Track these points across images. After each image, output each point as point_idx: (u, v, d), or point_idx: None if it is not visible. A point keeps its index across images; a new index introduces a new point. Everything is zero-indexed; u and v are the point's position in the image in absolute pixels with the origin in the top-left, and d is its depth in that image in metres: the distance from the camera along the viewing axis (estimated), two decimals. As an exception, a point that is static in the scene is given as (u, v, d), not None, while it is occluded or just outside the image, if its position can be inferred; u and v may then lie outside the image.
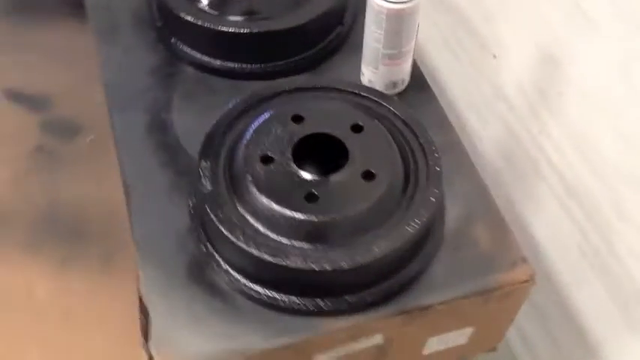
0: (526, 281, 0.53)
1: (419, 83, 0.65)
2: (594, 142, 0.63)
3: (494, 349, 0.64)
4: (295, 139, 0.52)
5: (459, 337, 0.60)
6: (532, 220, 0.77)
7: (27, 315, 0.66)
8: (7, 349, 0.65)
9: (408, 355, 0.59)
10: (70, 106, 0.81)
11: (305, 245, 0.49)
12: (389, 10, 0.56)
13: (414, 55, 0.64)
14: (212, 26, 0.63)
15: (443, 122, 0.62)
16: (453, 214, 0.56)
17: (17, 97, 0.82)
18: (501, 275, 0.53)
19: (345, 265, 0.48)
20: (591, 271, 0.69)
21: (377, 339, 0.54)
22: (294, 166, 0.51)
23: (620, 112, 0.59)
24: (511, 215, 0.81)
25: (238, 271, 0.52)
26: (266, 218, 0.50)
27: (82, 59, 0.76)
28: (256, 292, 0.51)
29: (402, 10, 0.56)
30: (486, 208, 0.57)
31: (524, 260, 0.54)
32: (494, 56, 0.77)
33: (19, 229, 0.71)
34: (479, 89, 0.82)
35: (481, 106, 0.82)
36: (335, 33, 0.68)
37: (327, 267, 0.47)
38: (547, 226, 0.75)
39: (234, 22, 0.64)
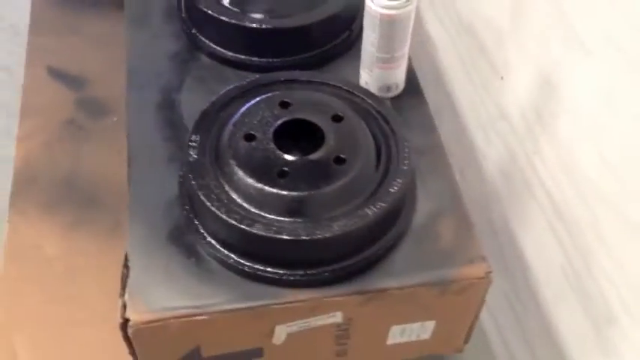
0: (482, 278, 0.56)
1: (413, 88, 0.68)
2: (580, 165, 0.65)
3: (460, 351, 0.66)
4: (278, 122, 0.57)
5: (422, 331, 0.62)
6: (522, 237, 0.79)
7: (35, 266, 0.73)
8: (13, 293, 0.71)
9: (372, 343, 0.62)
10: (102, 88, 0.89)
11: (272, 217, 0.53)
12: (382, 15, 0.60)
13: (410, 61, 0.68)
14: (227, 20, 0.69)
15: (429, 125, 0.66)
16: (422, 209, 0.59)
17: (58, 74, 0.90)
18: (458, 269, 0.56)
19: (303, 236, 0.52)
20: (571, 290, 0.70)
21: (336, 317, 0.57)
22: (272, 145, 0.56)
23: (604, 136, 0.61)
24: (505, 231, 0.83)
25: (212, 236, 0.56)
26: (241, 189, 0.55)
27: (119, 46, 0.83)
28: (226, 256, 0.56)
29: (395, 15, 0.60)
30: (455, 207, 0.60)
31: (482, 258, 0.57)
32: (502, 78, 0.80)
33: (41, 190, 0.78)
34: (486, 109, 0.85)
35: (487, 125, 0.85)
36: (342, 37, 0.72)
37: (286, 236, 0.51)
38: (535, 244, 0.77)
39: (248, 19, 0.70)
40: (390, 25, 0.61)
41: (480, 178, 0.87)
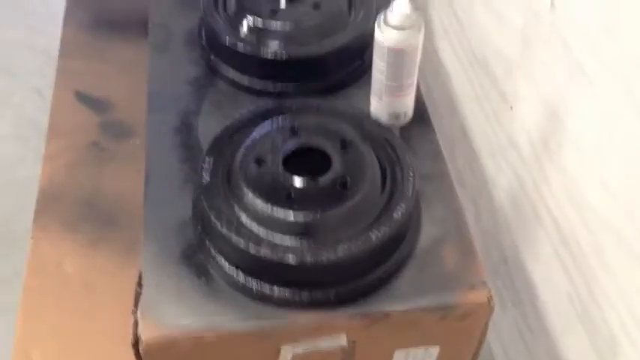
0: (483, 303, 0.57)
1: (421, 117, 0.70)
2: (585, 194, 0.66)
3: (464, 377, 0.67)
4: (288, 148, 0.59)
5: (426, 356, 0.63)
6: (531, 266, 0.80)
7: (54, 282, 0.76)
8: (33, 308, 0.74)
9: (377, 366, 0.63)
10: (125, 112, 0.92)
11: (279, 238, 0.55)
12: (390, 45, 0.62)
13: (419, 89, 0.70)
14: (244, 49, 0.72)
15: (436, 154, 0.67)
16: (427, 234, 0.61)
17: (85, 98, 0.94)
18: (460, 294, 0.57)
19: (308, 260, 0.53)
20: (577, 319, 0.71)
21: (341, 340, 0.59)
22: (281, 169, 0.58)
23: (607, 166, 0.62)
24: (515, 260, 0.84)
25: (222, 257, 0.58)
26: (250, 211, 0.57)
27: (143, 71, 0.86)
28: (235, 277, 0.58)
29: (403, 47, 0.62)
30: (459, 233, 0.61)
31: (483, 284, 0.58)
32: (511, 108, 0.81)
33: (64, 208, 0.81)
34: (497, 138, 0.86)
35: (497, 154, 0.86)
36: (354, 65, 0.75)
37: (292, 260, 0.53)
38: (543, 272, 0.77)
39: (264, 48, 0.73)
40: (398, 56, 0.63)
41: (492, 207, 0.88)
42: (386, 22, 0.63)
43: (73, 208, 0.81)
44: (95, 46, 0.99)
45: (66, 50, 0.99)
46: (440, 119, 1.03)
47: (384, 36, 0.63)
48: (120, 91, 0.95)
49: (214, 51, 0.77)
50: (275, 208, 0.55)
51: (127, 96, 0.94)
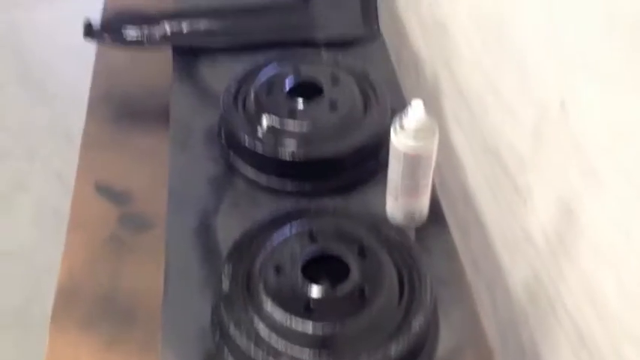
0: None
1: (436, 217, 0.71)
2: (602, 294, 0.66)
3: None
4: (306, 256, 0.60)
5: None
6: (550, 362, 0.78)
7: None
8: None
9: None
10: (145, 203, 0.93)
11: (298, 351, 0.55)
12: (405, 148, 0.64)
13: (434, 189, 0.71)
14: (262, 150, 0.74)
15: (452, 255, 0.68)
16: (445, 342, 0.61)
17: (104, 190, 0.96)
18: (481, 406, 0.56)
19: (327, 374, 0.53)
20: None
21: None
22: (300, 279, 0.59)
23: (624, 267, 0.62)
24: (532, 355, 0.82)
25: (241, 367, 0.58)
26: (269, 321, 0.57)
27: (163, 161, 0.88)
28: (253, 389, 0.57)
29: (418, 152, 0.64)
30: (477, 340, 0.61)
31: (505, 395, 0.57)
32: (525, 201, 0.82)
33: (82, 305, 0.82)
34: (511, 229, 0.86)
35: (512, 246, 0.86)
36: (369, 165, 0.76)
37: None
38: (562, 371, 0.76)
39: (282, 149, 0.74)
40: (413, 160, 0.64)
41: (508, 297, 0.88)
42: (401, 127, 0.64)
43: (90, 306, 0.81)
44: (116, 137, 1.01)
45: (88, 142, 1.02)
46: (453, 205, 1.04)
47: (400, 141, 0.64)
48: (139, 181, 0.96)
49: (233, 149, 0.79)
50: (294, 319, 0.56)
51: (147, 186, 0.96)
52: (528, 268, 0.82)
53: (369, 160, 0.76)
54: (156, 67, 1.05)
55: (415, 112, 0.63)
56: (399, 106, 0.86)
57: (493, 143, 0.90)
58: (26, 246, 1.30)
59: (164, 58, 1.01)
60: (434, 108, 1.08)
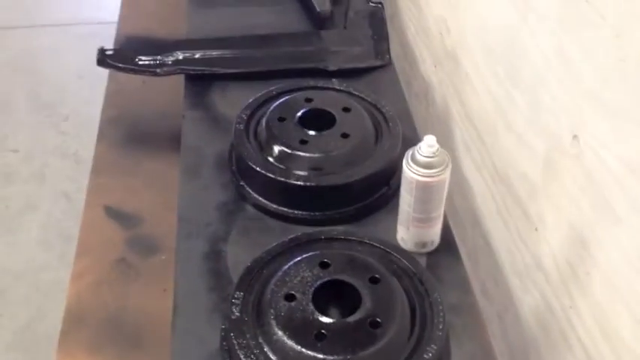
0: None
1: (448, 245, 0.71)
2: (615, 326, 0.65)
3: None
4: (317, 283, 0.60)
5: None
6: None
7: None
8: None
9: None
10: (153, 226, 0.94)
11: (308, 380, 0.55)
12: (417, 181, 0.64)
13: (445, 218, 0.71)
14: (273, 176, 0.74)
15: (464, 284, 0.67)
16: (458, 373, 0.60)
17: (114, 213, 0.96)
18: None
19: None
20: None
21: None
22: (312, 307, 0.58)
23: (638, 300, 0.62)
24: (544, 383, 0.81)
25: (250, 395, 0.58)
26: (279, 351, 0.57)
27: (172, 185, 0.88)
28: (262, 418, 0.57)
29: (430, 182, 0.64)
30: (490, 372, 0.60)
31: None
32: (536, 229, 0.82)
33: (89, 329, 0.82)
34: (522, 257, 0.86)
35: (523, 273, 0.86)
36: (380, 192, 0.76)
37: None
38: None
39: (293, 176, 0.75)
40: (425, 192, 0.64)
41: (518, 324, 0.87)
42: (414, 160, 0.65)
43: (98, 330, 0.81)
44: (126, 161, 1.02)
45: (98, 165, 1.03)
46: (463, 229, 1.03)
47: (412, 173, 0.64)
48: (148, 204, 0.97)
49: (243, 176, 0.79)
50: (305, 349, 0.55)
51: (155, 209, 0.96)
52: (539, 296, 0.81)
53: (380, 188, 0.76)
54: (167, 90, 1.06)
55: (428, 145, 0.64)
56: (410, 134, 0.87)
57: (503, 170, 0.90)
58: (33, 266, 1.30)
59: (175, 82, 1.02)
60: (444, 135, 1.09)
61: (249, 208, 0.77)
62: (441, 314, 0.58)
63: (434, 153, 0.63)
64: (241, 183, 0.79)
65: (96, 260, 0.90)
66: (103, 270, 0.88)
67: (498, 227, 0.93)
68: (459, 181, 1.06)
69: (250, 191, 0.78)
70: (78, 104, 1.61)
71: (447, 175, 0.64)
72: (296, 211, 0.75)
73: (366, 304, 0.58)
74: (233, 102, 0.90)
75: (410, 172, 0.64)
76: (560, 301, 0.77)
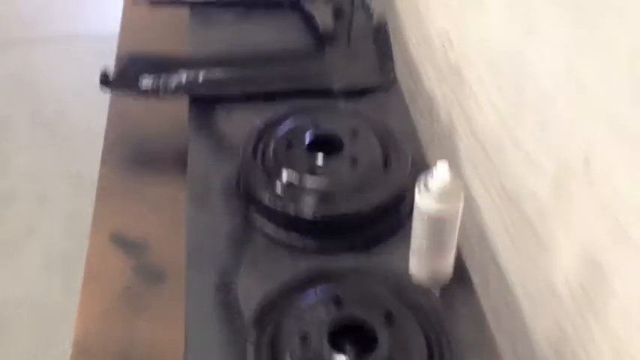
0: None
1: (461, 277, 0.70)
2: (634, 356, 0.64)
3: None
4: (332, 324, 0.59)
5: None
6: None
7: None
8: None
9: None
10: (160, 254, 0.92)
11: None
12: (430, 215, 0.63)
13: (459, 249, 0.70)
14: (281, 208, 0.73)
15: (480, 318, 0.66)
16: (475, 410, 0.59)
17: (119, 240, 0.95)
18: None
19: None
20: None
21: None
22: (327, 349, 0.57)
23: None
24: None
25: None
26: (296, 394, 0.56)
27: (179, 209, 0.87)
28: None
29: (443, 215, 0.63)
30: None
31: None
32: (547, 250, 0.81)
33: (96, 362, 0.80)
34: (534, 280, 0.85)
35: (535, 297, 0.85)
36: (391, 220, 0.75)
37: None
38: None
39: (301, 206, 0.73)
40: (438, 223, 0.63)
41: (531, 351, 0.86)
42: (426, 188, 0.63)
43: (105, 361, 0.80)
44: (131, 185, 1.01)
45: (103, 190, 1.01)
46: (471, 249, 1.02)
47: (424, 203, 0.63)
48: (155, 231, 0.95)
49: (252, 204, 0.78)
50: (322, 394, 0.54)
51: (162, 236, 0.94)
52: (553, 324, 0.80)
53: (391, 216, 0.75)
54: (172, 110, 1.05)
55: (440, 173, 0.63)
56: (417, 156, 0.86)
57: (512, 190, 0.89)
58: (35, 292, 1.28)
59: (179, 102, 1.00)
60: (449, 151, 1.08)
61: (258, 237, 0.76)
62: (458, 355, 0.57)
63: (447, 184, 0.62)
64: (249, 212, 0.78)
65: (101, 289, 0.88)
66: (109, 300, 0.87)
67: (507, 247, 0.92)
68: (465, 197, 1.05)
69: (258, 219, 0.77)
70: (78, 123, 1.60)
71: (460, 204, 0.63)
72: (305, 241, 0.74)
73: (383, 345, 0.57)
74: (238, 124, 0.89)
75: (422, 201, 0.63)
76: (574, 327, 0.75)
